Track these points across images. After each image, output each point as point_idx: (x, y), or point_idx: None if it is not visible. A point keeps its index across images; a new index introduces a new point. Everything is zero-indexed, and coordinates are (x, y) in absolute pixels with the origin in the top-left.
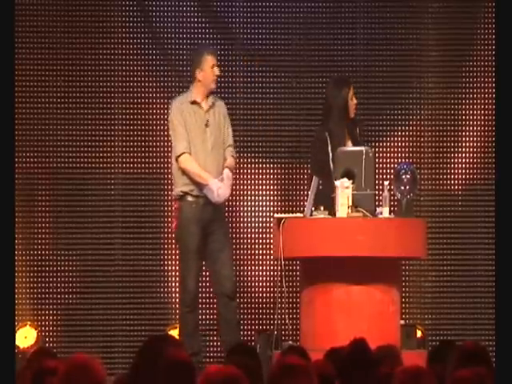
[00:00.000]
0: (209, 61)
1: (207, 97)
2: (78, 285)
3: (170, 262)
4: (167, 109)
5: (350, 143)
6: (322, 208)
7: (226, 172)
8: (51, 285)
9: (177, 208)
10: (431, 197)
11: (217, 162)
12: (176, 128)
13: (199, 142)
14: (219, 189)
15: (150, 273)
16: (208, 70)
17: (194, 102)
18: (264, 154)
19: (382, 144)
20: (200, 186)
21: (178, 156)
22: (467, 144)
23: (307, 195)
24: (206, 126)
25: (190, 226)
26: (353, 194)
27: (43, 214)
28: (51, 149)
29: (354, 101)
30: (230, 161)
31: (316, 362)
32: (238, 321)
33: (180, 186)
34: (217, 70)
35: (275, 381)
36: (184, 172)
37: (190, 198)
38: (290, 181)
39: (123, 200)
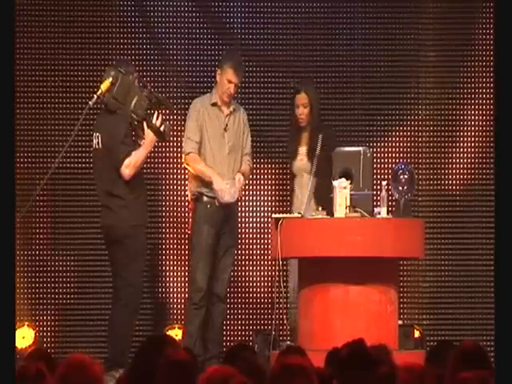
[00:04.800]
0: (228, 73)
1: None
2: (77, 285)
3: (169, 263)
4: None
5: (304, 149)
6: (320, 208)
7: (238, 176)
8: (49, 285)
9: (191, 209)
10: (429, 197)
11: (232, 167)
12: (189, 127)
13: (216, 146)
14: (222, 191)
15: (149, 273)
16: (224, 80)
17: (214, 104)
18: (262, 155)
19: (379, 144)
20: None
21: (186, 155)
22: (465, 144)
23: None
24: (225, 130)
25: (205, 227)
26: (351, 194)
27: (42, 215)
28: (51, 149)
29: (298, 110)
30: (245, 167)
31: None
32: (222, 323)
33: (196, 187)
34: (231, 88)
35: (275, 381)
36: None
37: (205, 199)
38: (288, 181)
39: None
